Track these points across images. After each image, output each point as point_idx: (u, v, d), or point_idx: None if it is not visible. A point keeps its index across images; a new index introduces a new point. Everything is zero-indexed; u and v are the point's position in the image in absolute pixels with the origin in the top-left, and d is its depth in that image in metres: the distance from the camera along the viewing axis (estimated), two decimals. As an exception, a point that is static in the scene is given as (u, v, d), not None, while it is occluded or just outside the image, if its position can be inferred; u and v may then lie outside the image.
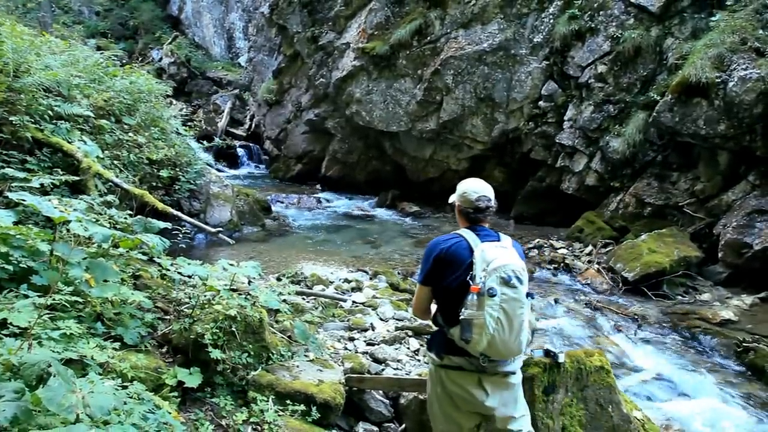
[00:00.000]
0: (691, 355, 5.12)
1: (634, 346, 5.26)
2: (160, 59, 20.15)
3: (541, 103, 9.73)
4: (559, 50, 9.37)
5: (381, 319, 4.86)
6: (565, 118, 9.39)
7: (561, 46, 9.29)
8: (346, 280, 6.02)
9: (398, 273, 6.64)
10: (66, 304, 2.59)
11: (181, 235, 5.72)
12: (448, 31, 10.18)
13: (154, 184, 6.73)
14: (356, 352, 4.08)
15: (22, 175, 3.97)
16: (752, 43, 6.90)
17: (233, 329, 3.10)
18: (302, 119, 13.40)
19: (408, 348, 4.31)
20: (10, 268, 2.69)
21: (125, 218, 3.73)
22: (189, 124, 9.62)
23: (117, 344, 2.67)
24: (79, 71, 6.22)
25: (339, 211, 11.19)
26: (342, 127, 12.51)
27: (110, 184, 5.49)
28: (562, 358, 2.94)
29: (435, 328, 2.66)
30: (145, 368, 2.67)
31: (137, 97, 6.91)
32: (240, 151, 16.07)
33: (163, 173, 6.84)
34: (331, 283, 5.92)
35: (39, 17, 14.95)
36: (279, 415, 2.82)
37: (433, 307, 2.64)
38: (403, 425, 3.33)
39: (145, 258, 3.88)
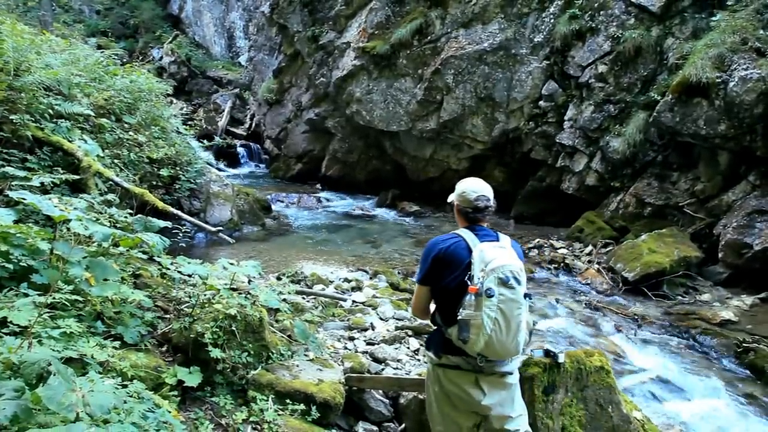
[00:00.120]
0: (691, 356, 5.12)
1: (634, 346, 5.25)
2: (161, 58, 20.16)
3: (541, 102, 9.73)
4: (559, 50, 9.37)
5: (381, 319, 4.86)
6: (566, 117, 9.39)
7: (561, 45, 9.29)
8: (346, 280, 6.02)
9: (398, 272, 6.64)
10: (66, 302, 2.59)
11: (181, 234, 5.71)
12: (449, 30, 10.17)
13: (155, 183, 6.74)
14: (356, 351, 4.08)
15: (22, 173, 3.97)
16: (753, 43, 6.90)
17: (233, 328, 3.10)
18: (302, 118, 13.40)
19: (408, 348, 4.31)
20: (11, 266, 2.69)
21: (125, 217, 3.73)
22: (189, 123, 9.61)
23: (117, 343, 2.67)
24: (79, 70, 6.22)
25: (339, 211, 11.19)
26: (342, 127, 12.51)
27: (110, 182, 5.49)
28: (562, 358, 2.94)
29: (434, 328, 2.66)
30: (145, 367, 2.67)
31: (138, 96, 6.91)
32: (240, 151, 16.08)
33: (164, 172, 6.84)
34: (331, 282, 5.92)
35: (39, 16, 14.94)
36: (279, 415, 2.82)
37: (432, 307, 2.64)
38: (403, 425, 3.33)
39: (145, 257, 3.89)
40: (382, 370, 3.79)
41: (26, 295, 2.51)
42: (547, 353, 2.98)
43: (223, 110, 17.75)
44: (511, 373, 2.50)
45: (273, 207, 10.14)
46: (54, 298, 2.49)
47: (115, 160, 5.98)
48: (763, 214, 6.62)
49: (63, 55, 6.36)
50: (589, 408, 2.99)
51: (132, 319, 2.99)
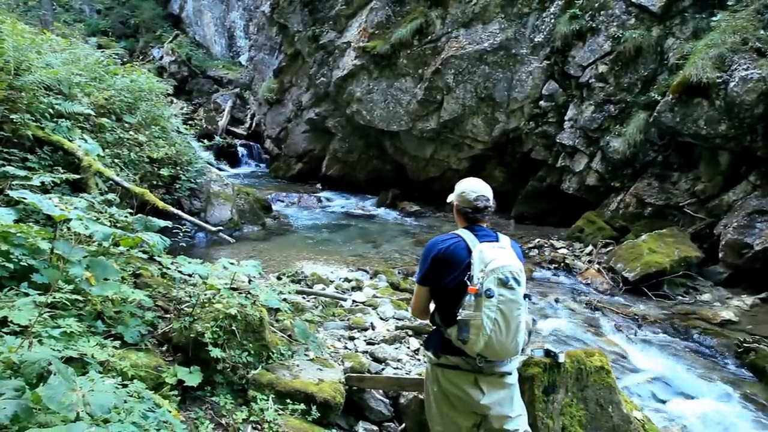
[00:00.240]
0: (691, 356, 5.12)
1: (635, 346, 5.25)
2: (161, 58, 20.17)
3: (541, 102, 9.73)
4: (559, 50, 9.37)
5: (381, 319, 4.86)
6: (566, 117, 9.39)
7: (562, 45, 9.29)
8: (347, 280, 6.02)
9: (398, 272, 6.64)
10: (66, 302, 2.60)
11: (181, 234, 5.71)
12: (449, 30, 10.17)
13: (155, 182, 6.73)
14: (356, 351, 4.08)
15: (22, 173, 3.97)
16: (753, 44, 6.89)
17: (233, 328, 3.10)
18: (303, 118, 13.40)
19: (408, 347, 4.31)
20: (11, 266, 2.69)
21: (126, 217, 3.73)
22: (190, 122, 9.61)
23: (117, 343, 2.67)
24: (80, 69, 6.22)
25: (339, 211, 11.20)
26: (342, 127, 12.51)
27: (111, 182, 5.49)
28: (562, 358, 2.94)
29: (434, 328, 2.66)
30: (145, 367, 2.67)
31: (138, 95, 6.91)
32: (240, 150, 16.08)
33: (164, 172, 6.84)
34: (332, 282, 5.92)
35: (40, 15, 14.93)
36: (279, 414, 2.82)
37: (432, 307, 2.64)
38: (403, 425, 3.33)
39: (145, 256, 3.89)
40: (383, 369, 3.79)
41: (27, 294, 2.51)
42: (548, 353, 2.98)
43: (224, 110, 17.76)
44: (510, 373, 2.50)
45: (273, 207, 10.14)
46: (54, 298, 2.49)
47: (116, 160, 5.98)
48: (764, 214, 6.62)
49: (63, 54, 6.36)
50: (589, 408, 2.99)
51: (132, 319, 2.99)
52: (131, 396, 2.20)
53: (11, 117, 4.89)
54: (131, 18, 22.06)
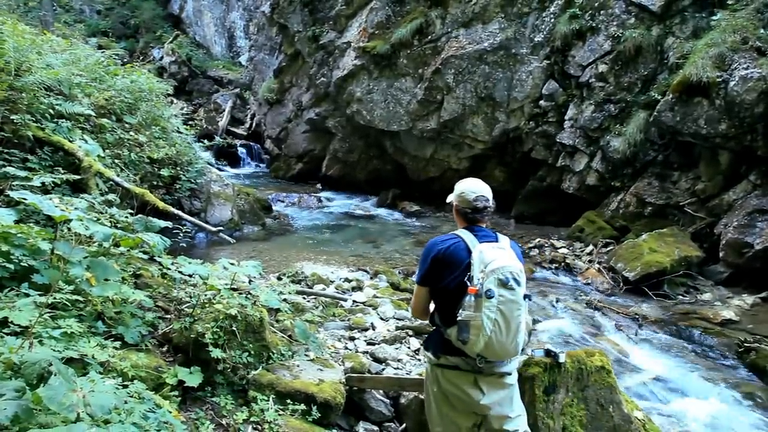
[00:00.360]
0: (692, 355, 5.12)
1: (635, 345, 5.25)
2: (161, 58, 20.17)
3: (541, 102, 9.72)
4: (559, 49, 9.36)
5: (381, 319, 4.86)
6: (566, 117, 9.39)
7: (562, 45, 9.29)
8: (347, 280, 6.02)
9: (399, 272, 6.63)
10: (67, 302, 2.60)
11: (181, 234, 5.71)
12: (449, 30, 10.17)
13: (155, 183, 6.74)
14: (357, 351, 4.08)
15: (23, 173, 3.97)
16: (753, 43, 6.89)
17: (234, 328, 3.10)
18: (303, 118, 13.40)
19: (408, 347, 4.31)
20: (11, 266, 2.70)
21: (126, 217, 3.74)
22: (190, 123, 9.63)
23: (118, 343, 2.67)
24: (80, 70, 6.23)
25: (339, 211, 11.19)
26: (343, 127, 12.51)
27: (111, 182, 5.50)
28: (562, 358, 2.93)
29: (433, 328, 2.66)
30: (145, 367, 2.67)
31: (138, 96, 6.91)
32: (241, 150, 16.08)
33: (164, 172, 6.84)
34: (332, 282, 5.92)
35: (40, 16, 14.95)
36: (279, 415, 2.82)
37: (432, 307, 2.64)
38: (404, 425, 3.33)
39: (145, 257, 3.89)
40: (383, 370, 3.79)
41: (27, 295, 2.51)
42: (548, 353, 2.97)
43: (224, 110, 17.76)
44: (510, 374, 2.50)
45: (273, 207, 10.14)
46: (55, 298, 2.49)
47: (116, 160, 5.98)
48: (764, 213, 6.62)
49: (64, 55, 6.36)
50: (590, 408, 2.99)
51: (133, 320, 2.99)
52: (132, 396, 2.20)
53: (12, 118, 4.90)
54: (131, 18, 22.06)
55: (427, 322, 2.74)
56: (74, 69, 6.09)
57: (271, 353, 3.32)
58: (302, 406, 2.91)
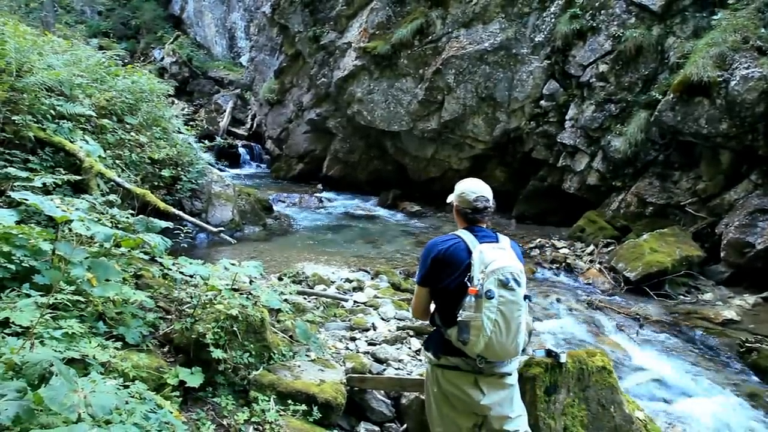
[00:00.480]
0: (693, 356, 5.11)
1: (636, 346, 5.25)
2: (162, 59, 20.19)
3: (542, 102, 9.72)
4: (560, 49, 9.36)
5: (382, 319, 4.86)
6: (567, 117, 9.38)
7: (562, 45, 9.28)
8: (348, 280, 6.02)
9: (400, 273, 6.63)
10: (68, 303, 2.60)
11: (182, 235, 5.72)
12: (450, 30, 10.17)
13: (156, 183, 6.74)
14: (358, 351, 4.08)
15: (24, 174, 3.97)
16: (754, 42, 6.88)
17: (235, 329, 3.10)
18: (304, 119, 13.41)
19: (409, 348, 4.30)
20: (13, 267, 2.70)
21: (127, 218, 3.73)
22: (191, 123, 9.64)
23: (119, 344, 2.67)
24: (81, 71, 6.23)
25: (340, 211, 11.20)
26: (343, 127, 12.51)
27: (112, 183, 5.50)
28: (564, 358, 2.93)
29: (434, 329, 2.66)
30: (146, 368, 2.67)
31: (139, 96, 6.91)
32: (241, 151, 16.09)
33: (165, 173, 6.85)
34: (333, 282, 5.92)
35: (42, 17, 14.97)
36: (280, 415, 2.82)
37: (432, 308, 2.64)
38: (405, 425, 3.33)
39: (146, 257, 3.89)
40: (384, 370, 3.79)
41: (28, 295, 2.51)
42: (549, 353, 2.97)
43: (225, 111, 17.78)
44: (510, 374, 2.50)
45: (274, 207, 10.14)
46: (56, 299, 2.49)
47: (117, 161, 5.99)
48: (765, 213, 6.61)
49: (65, 56, 6.36)
50: (591, 408, 2.99)
51: (134, 320, 2.99)
52: (133, 397, 2.20)
53: (13, 118, 4.91)
54: (132, 19, 22.08)
55: (427, 322, 2.74)
56: (75, 70, 6.09)
57: (272, 354, 3.32)
58: (303, 407, 2.91)
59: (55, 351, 2.11)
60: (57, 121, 5.40)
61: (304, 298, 5.07)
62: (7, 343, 2.07)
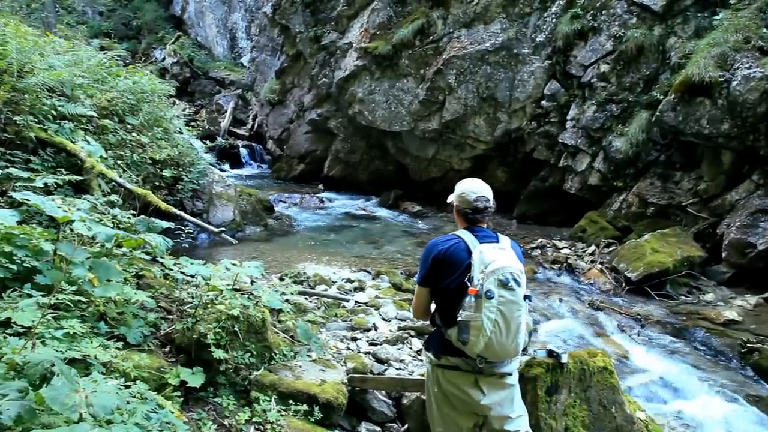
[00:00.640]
0: (694, 356, 5.10)
1: (638, 346, 5.24)
2: (163, 59, 20.21)
3: (543, 102, 9.71)
4: (561, 49, 9.36)
5: (383, 319, 4.86)
6: (568, 117, 9.38)
7: (563, 45, 9.27)
8: (349, 280, 6.02)
9: (401, 273, 6.63)
10: (69, 303, 2.60)
11: (183, 235, 5.72)
12: (451, 30, 10.17)
13: (157, 183, 6.75)
14: (359, 352, 4.08)
15: (25, 174, 3.98)
16: (756, 42, 6.87)
17: (236, 329, 3.10)
18: (305, 119, 13.41)
19: (411, 348, 4.30)
20: (14, 267, 2.70)
21: (128, 218, 3.74)
22: (192, 123, 9.65)
23: (120, 344, 2.68)
24: (82, 71, 6.24)
25: (341, 211, 11.20)
26: (344, 127, 12.51)
27: (113, 183, 5.51)
28: (565, 359, 2.93)
29: (434, 329, 2.66)
30: (148, 368, 2.67)
31: (140, 97, 6.92)
32: (243, 151, 16.09)
33: (166, 173, 6.85)
34: (334, 283, 5.92)
35: (43, 17, 14.99)
36: (281, 415, 2.82)
37: (433, 308, 2.64)
38: (406, 425, 3.33)
39: (148, 258, 3.90)
40: (385, 370, 3.79)
41: (30, 295, 2.52)
42: (550, 353, 2.97)
43: (226, 111, 17.79)
44: (510, 374, 2.50)
45: (275, 207, 10.14)
46: (57, 299, 2.50)
47: (118, 161, 5.99)
48: (767, 213, 6.60)
49: (66, 56, 6.37)
50: (592, 408, 2.99)
51: (135, 320, 3.00)
52: (134, 397, 2.20)
53: (15, 119, 4.92)
54: (133, 20, 22.10)
55: (428, 322, 2.75)
56: (77, 70, 6.10)
57: (273, 354, 3.32)
58: (304, 407, 2.91)
59: (57, 351, 2.12)
60: (58, 121, 5.41)
61: (306, 299, 5.07)
62: (8, 343, 2.08)
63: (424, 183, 11.95)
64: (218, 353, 2.88)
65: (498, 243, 2.48)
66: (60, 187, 4.47)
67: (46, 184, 3.76)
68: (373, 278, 6.32)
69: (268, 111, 14.93)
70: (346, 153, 12.85)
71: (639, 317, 5.88)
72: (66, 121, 5.47)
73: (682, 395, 4.41)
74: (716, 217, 7.31)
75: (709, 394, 4.41)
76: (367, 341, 4.33)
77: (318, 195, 12.19)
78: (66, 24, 17.48)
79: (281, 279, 5.64)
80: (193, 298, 3.44)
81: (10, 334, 2.22)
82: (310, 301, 5.09)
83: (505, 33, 9.71)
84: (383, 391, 3.44)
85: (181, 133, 7.79)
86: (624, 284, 6.82)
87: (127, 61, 10.67)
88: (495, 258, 2.34)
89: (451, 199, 2.70)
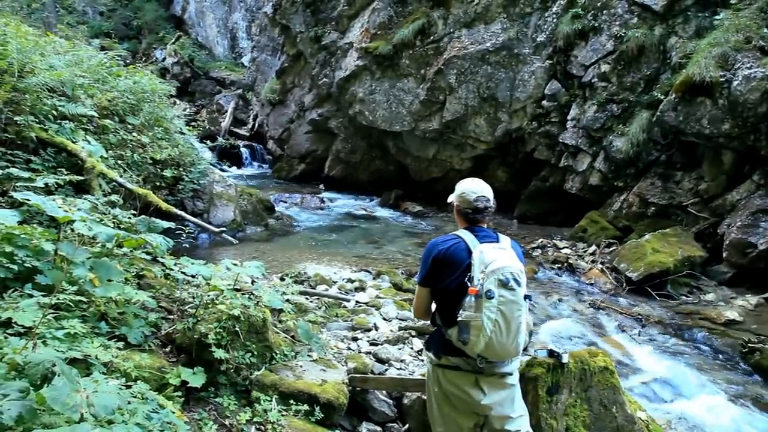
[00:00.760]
0: (695, 356, 5.10)
1: (638, 346, 5.24)
2: (164, 59, 20.21)
3: (544, 102, 9.71)
4: (562, 49, 9.35)
5: (384, 319, 4.86)
6: (569, 117, 9.37)
7: (564, 45, 9.27)
8: (350, 280, 6.02)
9: (401, 273, 6.63)
10: (70, 303, 2.60)
11: (184, 235, 5.72)
12: (451, 30, 10.17)
13: (158, 183, 6.75)
14: (359, 352, 4.08)
15: (26, 174, 3.98)
16: (757, 42, 6.87)
17: (237, 329, 3.10)
18: (305, 119, 13.41)
19: (411, 348, 4.30)
20: (15, 267, 2.70)
21: (129, 218, 3.74)
22: (192, 123, 9.65)
23: (121, 344, 2.68)
24: (83, 71, 6.24)
25: (342, 211, 11.20)
26: (345, 127, 12.51)
27: (114, 183, 5.51)
28: (565, 359, 2.93)
29: (435, 328, 2.66)
30: (148, 368, 2.67)
31: (141, 97, 6.92)
32: (243, 151, 16.09)
33: (167, 173, 6.85)
34: (335, 282, 5.92)
35: (43, 17, 15.00)
36: (282, 415, 2.82)
37: (433, 307, 2.64)
38: (407, 425, 3.33)
39: (148, 258, 3.90)
40: (386, 370, 3.79)
41: (30, 295, 2.52)
42: (551, 353, 2.97)
43: (226, 111, 17.78)
44: (511, 374, 2.50)
45: (276, 207, 10.14)
46: (58, 299, 2.50)
47: (119, 161, 6.00)
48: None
49: (67, 56, 6.38)
50: (593, 408, 2.99)
51: (136, 320, 3.00)
52: (135, 397, 2.20)
53: (15, 119, 4.92)
54: (134, 20, 22.11)
55: (428, 322, 2.74)
56: (77, 70, 6.10)
57: (274, 354, 3.32)
58: (305, 407, 2.91)
59: (58, 351, 2.12)
60: (59, 121, 5.42)
61: (306, 299, 5.07)
62: (9, 343, 2.08)
63: (425, 183, 11.95)
64: (219, 353, 2.88)
65: (498, 243, 2.47)
66: (61, 187, 4.47)
67: (46, 184, 3.76)
68: (374, 278, 6.32)
69: (269, 111, 14.93)
70: (347, 153, 12.85)
71: (640, 317, 5.87)
72: (67, 121, 5.47)
73: (683, 395, 4.40)
74: (717, 217, 7.31)
75: (710, 394, 4.41)
76: (368, 341, 4.33)
77: (319, 195, 12.19)
78: (66, 24, 17.48)
79: (282, 279, 5.63)
80: (194, 298, 3.44)
81: (11, 334, 2.22)
82: (311, 301, 5.09)
83: (505, 33, 9.71)
84: (384, 391, 3.43)
85: (182, 133, 7.79)
86: (625, 284, 6.82)
87: (128, 61, 10.67)
88: (495, 258, 2.34)
89: (452, 199, 2.70)
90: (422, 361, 4.03)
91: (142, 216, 3.83)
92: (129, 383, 2.32)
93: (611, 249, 7.82)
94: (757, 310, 6.08)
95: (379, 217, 10.91)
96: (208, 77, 20.45)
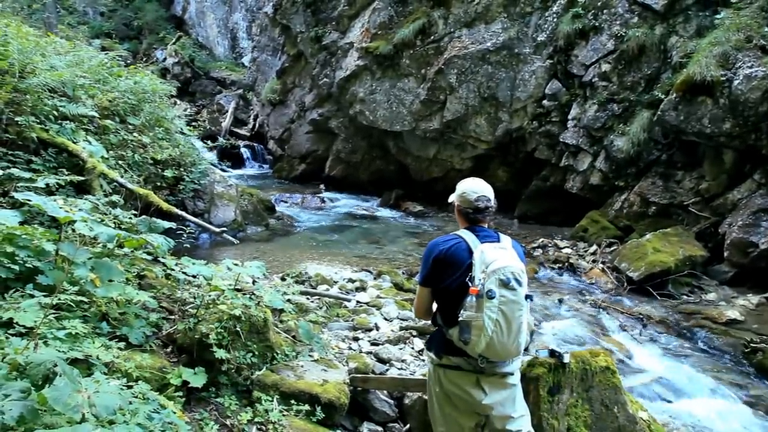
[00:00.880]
0: (696, 356, 5.10)
1: (640, 346, 5.23)
2: (164, 59, 20.22)
3: (545, 102, 9.71)
4: (562, 49, 9.35)
5: (385, 319, 4.85)
6: (569, 117, 9.37)
7: (565, 44, 9.27)
8: (351, 280, 6.02)
9: (402, 273, 6.63)
10: (71, 303, 2.60)
11: (185, 235, 5.72)
12: (452, 30, 10.16)
13: (159, 184, 6.75)
14: (360, 352, 4.07)
15: (27, 175, 3.98)
16: (757, 41, 6.86)
17: (238, 329, 3.10)
18: (306, 119, 13.42)
19: (412, 348, 4.30)
20: (16, 267, 2.70)
21: (130, 218, 3.74)
22: (193, 124, 9.65)
23: (122, 344, 2.67)
24: (83, 72, 6.25)
25: (342, 211, 11.20)
26: (345, 127, 12.51)
27: (115, 184, 5.51)
28: (567, 359, 2.93)
29: (436, 328, 2.66)
30: (150, 368, 2.67)
31: (141, 97, 6.93)
32: (244, 151, 16.10)
33: (168, 173, 6.86)
34: (335, 282, 5.92)
35: (44, 18, 15.02)
36: (283, 415, 2.82)
37: (435, 307, 2.64)
38: (408, 425, 3.33)
39: (149, 258, 3.89)
40: (387, 370, 3.79)
41: (32, 296, 2.52)
42: (552, 353, 2.97)
43: (227, 111, 17.79)
44: (512, 374, 2.49)
45: (277, 207, 10.15)
46: (59, 299, 2.50)
47: (120, 162, 6.00)
48: (769, 212, 6.59)
49: (67, 56, 6.39)
50: (594, 408, 2.98)
51: (137, 320, 3.00)
52: (136, 397, 2.20)
53: (16, 119, 4.92)
54: (134, 20, 22.12)
55: (429, 322, 2.74)
56: (78, 71, 6.11)
57: (275, 354, 3.32)
58: (306, 407, 2.91)
59: (59, 351, 2.12)
60: (60, 122, 5.42)
61: (307, 299, 5.07)
62: (11, 343, 2.08)
63: (426, 183, 11.95)
64: (220, 353, 2.88)
65: (499, 242, 2.47)
66: (62, 187, 4.47)
67: (47, 185, 3.75)
68: (375, 278, 6.32)
69: (269, 111, 14.94)
70: (348, 153, 12.85)
71: (641, 317, 5.87)
72: (67, 122, 5.47)
73: (685, 395, 4.40)
74: (718, 216, 7.30)
75: (711, 393, 4.40)
76: (369, 341, 4.33)
77: (319, 195, 12.19)
78: (67, 24, 17.50)
79: (283, 279, 5.63)
80: (194, 298, 3.44)
81: (12, 335, 2.22)
82: (312, 301, 5.09)
83: (506, 32, 9.71)
84: (385, 391, 3.43)
85: (183, 133, 7.80)
86: (626, 284, 6.82)
87: (128, 62, 10.68)
88: (496, 258, 2.34)
89: (452, 198, 2.70)
90: (423, 361, 4.02)
91: (143, 216, 3.83)
92: (130, 383, 2.32)
93: (612, 248, 7.81)
94: (758, 310, 6.07)
95: (380, 217, 10.92)
96: (208, 77, 20.46)
